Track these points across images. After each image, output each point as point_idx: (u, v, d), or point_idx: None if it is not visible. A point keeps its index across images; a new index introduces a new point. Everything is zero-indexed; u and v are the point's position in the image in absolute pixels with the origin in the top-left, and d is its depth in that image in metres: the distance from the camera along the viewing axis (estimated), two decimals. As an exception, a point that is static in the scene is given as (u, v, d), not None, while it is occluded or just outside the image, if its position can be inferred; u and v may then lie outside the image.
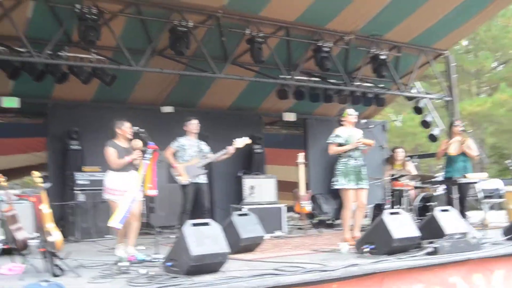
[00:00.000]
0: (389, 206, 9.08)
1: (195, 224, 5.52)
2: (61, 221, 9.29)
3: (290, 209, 10.36)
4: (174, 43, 9.39)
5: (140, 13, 9.32)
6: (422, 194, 9.65)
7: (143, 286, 4.80)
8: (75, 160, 9.97)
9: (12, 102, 9.63)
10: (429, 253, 6.15)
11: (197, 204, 8.24)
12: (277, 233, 9.08)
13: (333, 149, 7.53)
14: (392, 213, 6.55)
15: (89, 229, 7.92)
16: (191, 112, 11.06)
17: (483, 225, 9.09)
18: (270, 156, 13.01)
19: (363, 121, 8.02)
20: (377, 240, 6.30)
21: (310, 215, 10.33)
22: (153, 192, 6.34)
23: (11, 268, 5.58)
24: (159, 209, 9.64)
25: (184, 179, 8.16)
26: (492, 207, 10.40)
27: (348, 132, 7.51)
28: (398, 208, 9.13)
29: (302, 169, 9.77)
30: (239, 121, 12.37)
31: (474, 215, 9.36)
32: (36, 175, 5.92)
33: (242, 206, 9.03)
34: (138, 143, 6.84)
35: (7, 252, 6.14)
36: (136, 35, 9.65)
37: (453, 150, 8.73)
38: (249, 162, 12.04)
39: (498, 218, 9.60)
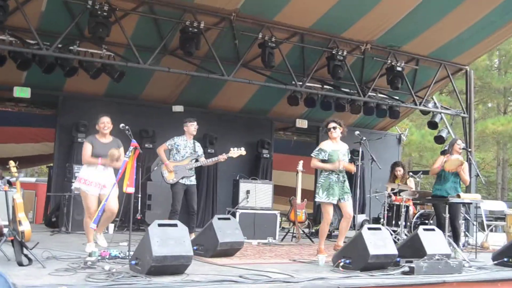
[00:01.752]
0: (384, 221, 8.91)
1: (161, 225, 5.52)
2: (57, 211, 9.48)
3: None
4: (184, 43, 9.43)
5: (152, 12, 9.43)
6: (421, 211, 9.44)
7: (98, 282, 4.81)
8: (80, 152, 10.02)
9: (24, 92, 9.87)
10: (404, 273, 5.99)
11: (186, 205, 8.24)
12: (268, 239, 8.96)
13: (314, 164, 7.34)
14: (371, 229, 6.39)
15: (81, 221, 7.98)
16: (202, 112, 11.23)
17: (482, 247, 8.83)
18: (280, 162, 12.93)
19: (357, 132, 7.74)
20: (354, 255, 6.16)
21: (306, 224, 10.19)
22: (130, 190, 6.31)
23: (-18, 254, 5.66)
24: (156, 207, 9.73)
25: (170, 177, 8.17)
26: (495, 229, 10.07)
27: (332, 147, 7.26)
28: (395, 223, 9.02)
29: (300, 177, 9.66)
30: (250, 125, 12.39)
31: (475, 237, 9.06)
32: (12, 165, 6.01)
33: (236, 210, 8.96)
34: (115, 152, 6.81)
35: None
36: (148, 34, 9.77)
37: (449, 167, 8.33)
38: (256, 166, 12.04)
39: (499, 241, 9.27)
